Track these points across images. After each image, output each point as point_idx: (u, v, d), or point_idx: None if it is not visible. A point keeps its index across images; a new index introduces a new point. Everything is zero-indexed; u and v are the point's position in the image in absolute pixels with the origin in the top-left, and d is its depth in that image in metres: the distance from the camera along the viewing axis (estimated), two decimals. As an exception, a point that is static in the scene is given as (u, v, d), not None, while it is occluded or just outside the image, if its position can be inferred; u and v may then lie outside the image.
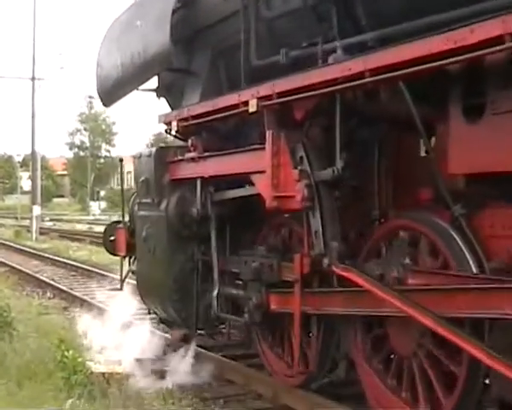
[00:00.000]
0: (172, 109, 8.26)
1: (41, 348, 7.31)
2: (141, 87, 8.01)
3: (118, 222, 9.12)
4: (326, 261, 4.99)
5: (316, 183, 4.84)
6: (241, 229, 6.56)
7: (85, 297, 12.17)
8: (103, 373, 6.30)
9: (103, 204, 76.62)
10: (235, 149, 5.86)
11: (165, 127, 7.14)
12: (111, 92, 8.06)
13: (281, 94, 4.98)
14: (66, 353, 6.16)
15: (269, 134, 5.09)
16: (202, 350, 7.18)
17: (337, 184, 4.75)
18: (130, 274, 8.74)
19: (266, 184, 5.12)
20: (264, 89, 5.11)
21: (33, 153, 33.00)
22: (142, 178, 7.04)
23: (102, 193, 79.50)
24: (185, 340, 7.75)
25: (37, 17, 41.43)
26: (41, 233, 29.54)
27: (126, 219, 8.40)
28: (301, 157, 5.02)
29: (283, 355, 6.08)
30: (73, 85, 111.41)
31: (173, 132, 6.75)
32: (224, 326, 6.92)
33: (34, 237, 28.42)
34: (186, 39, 7.10)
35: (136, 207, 7.43)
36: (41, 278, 15.16)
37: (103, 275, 14.86)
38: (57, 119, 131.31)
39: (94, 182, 77.59)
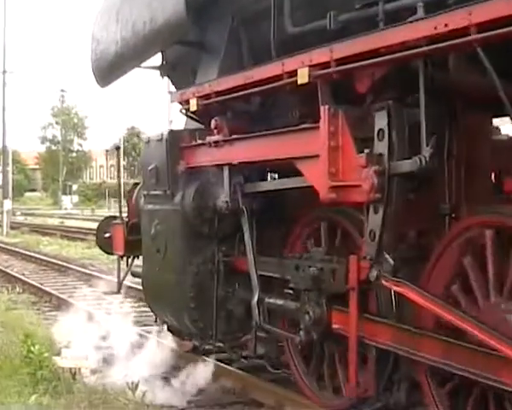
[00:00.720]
0: (177, 89, 7.34)
1: (7, 343, 7.27)
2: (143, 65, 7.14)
3: (113, 217, 8.18)
4: (374, 273, 4.12)
5: (388, 171, 3.92)
6: (271, 226, 5.64)
7: (55, 292, 12.12)
8: (70, 368, 6.32)
9: (75, 198, 75.69)
10: (269, 130, 4.94)
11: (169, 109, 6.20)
12: (108, 71, 7.11)
13: (341, 61, 4.06)
14: (32, 348, 6.14)
15: (324, 111, 4.16)
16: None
17: (421, 175, 3.83)
18: (127, 276, 7.88)
19: (320, 171, 4.20)
20: (319, 55, 4.17)
21: (4, 147, 33.18)
22: (151, 167, 6.08)
23: (75, 187, 78.51)
24: (195, 351, 6.88)
25: (8, 10, 40.16)
26: (12, 228, 29.72)
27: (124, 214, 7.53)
28: (368, 139, 4.12)
29: (327, 378, 5.17)
30: (45, 79, 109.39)
31: (190, 112, 5.79)
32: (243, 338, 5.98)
33: (5, 232, 28.34)
34: (200, 7, 6.13)
35: (141, 201, 6.45)
36: (11, 272, 15.03)
37: (73, 269, 15.31)
38: (29, 112, 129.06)
39: (66, 176, 76.51)
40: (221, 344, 6.12)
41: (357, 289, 4.33)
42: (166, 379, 6.30)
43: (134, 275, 7.50)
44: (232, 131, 5.27)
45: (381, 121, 3.93)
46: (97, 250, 20.44)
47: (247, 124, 5.33)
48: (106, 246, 8.12)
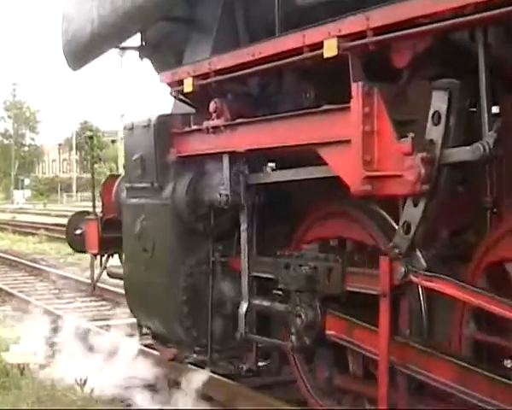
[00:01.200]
0: (158, 72, 6.68)
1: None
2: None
3: (85, 213, 7.50)
4: (402, 269, 3.58)
5: (439, 159, 3.35)
6: (275, 221, 5.04)
7: (5, 287, 12.07)
8: (18, 364, 6.35)
9: (28, 193, 74.27)
10: (276, 114, 4.33)
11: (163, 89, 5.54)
12: (82, 52, 6.43)
13: (380, 30, 3.47)
14: (-20, 344, 6.25)
15: (357, 88, 3.56)
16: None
17: (482, 164, 3.28)
18: (102, 274, 7.24)
19: (351, 159, 3.61)
20: (352, 24, 3.56)
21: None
22: (136, 156, 5.41)
23: (27, 181, 77.03)
24: (178, 360, 6.26)
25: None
26: (-38, 223, 29.48)
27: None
28: (405, 122, 3.55)
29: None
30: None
31: (182, 94, 5.14)
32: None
33: (-45, 227, 28.00)
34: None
35: (123, 194, 5.78)
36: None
37: (24, 264, 15.36)
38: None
39: (18, 170, 74.88)
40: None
41: (388, 296, 3.76)
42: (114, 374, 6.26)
43: (111, 276, 6.84)
44: (234, 114, 4.64)
45: (439, 102, 3.35)
46: (49, 245, 20.63)
47: (251, 107, 4.72)
48: (77, 244, 7.46)
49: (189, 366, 6.08)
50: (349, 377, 4.51)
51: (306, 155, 4.14)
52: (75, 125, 76.18)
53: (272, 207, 4.96)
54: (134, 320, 9.25)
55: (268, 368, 5.29)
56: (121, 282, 6.31)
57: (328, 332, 4.32)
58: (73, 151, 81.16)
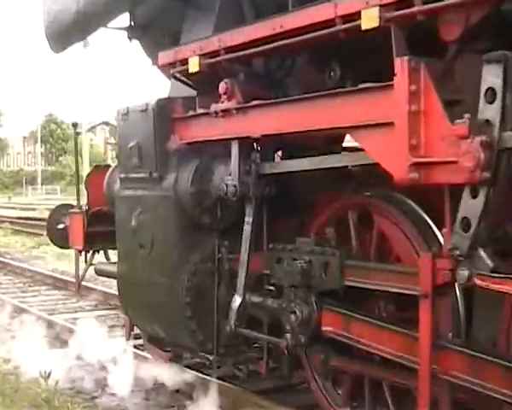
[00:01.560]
0: (148, 55, 6.22)
1: None
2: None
3: (68, 206, 7.02)
4: (465, 272, 3.18)
5: (498, 143, 2.95)
6: (283, 215, 4.63)
7: None
8: None
9: (-9, 186, 72.85)
10: (295, 96, 3.91)
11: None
12: (65, 34, 5.98)
13: (429, -3, 3.06)
14: None
15: (402, 64, 3.15)
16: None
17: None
18: (88, 272, 6.79)
19: (394, 144, 3.20)
20: (396, -10, 3.16)
21: None
22: (132, 144, 4.95)
23: (-10, 175, 75.59)
24: (175, 361, 5.84)
25: None
26: None
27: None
28: (452, 102, 3.16)
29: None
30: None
31: (183, 75, 4.69)
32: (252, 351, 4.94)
33: None
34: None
35: (116, 186, 5.31)
36: None
37: None
38: None
39: (-19, 163, 73.36)
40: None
41: (431, 297, 3.37)
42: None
43: (99, 273, 6.36)
44: (246, 97, 4.20)
45: (491, 78, 2.95)
46: (14, 238, 20.06)
47: (265, 88, 4.29)
48: (59, 239, 6.98)
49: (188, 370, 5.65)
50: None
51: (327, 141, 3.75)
52: (40, 117, 74.70)
53: (281, 200, 4.55)
54: (100, 313, 9.26)
55: (279, 372, 4.85)
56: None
57: (324, 328, 4.04)
58: (38, 144, 79.71)
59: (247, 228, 4.42)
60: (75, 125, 6.79)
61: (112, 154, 64.15)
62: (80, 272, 6.71)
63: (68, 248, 6.93)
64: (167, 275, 4.75)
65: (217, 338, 4.69)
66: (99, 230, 6.47)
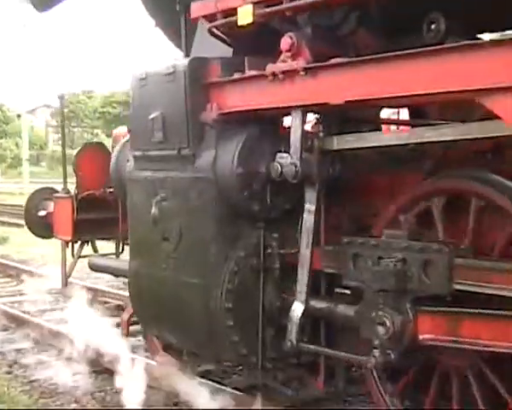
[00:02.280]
0: (153, 18, 5.35)
1: None
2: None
3: (52, 189, 6.12)
4: None
5: None
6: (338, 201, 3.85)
7: None
8: None
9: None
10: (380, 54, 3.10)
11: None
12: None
13: None
14: None
15: None
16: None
17: None
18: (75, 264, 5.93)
19: None
20: None
21: None
22: (154, 115, 4.05)
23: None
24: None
25: None
26: None
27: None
28: None
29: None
30: None
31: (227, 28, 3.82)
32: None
33: None
34: None
35: (130, 166, 4.40)
36: None
37: None
38: None
39: None
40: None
41: None
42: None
43: (94, 268, 5.46)
44: (316, 55, 3.37)
45: None
46: None
47: (339, 46, 3.47)
48: (40, 228, 6.09)
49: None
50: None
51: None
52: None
53: (345, 183, 3.76)
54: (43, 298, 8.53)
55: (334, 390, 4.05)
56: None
57: (422, 337, 3.24)
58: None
59: (308, 218, 3.61)
60: (62, 97, 5.81)
61: (53, 137, 62.02)
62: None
63: (52, 237, 6.00)
64: (201, 274, 3.89)
65: (262, 350, 3.87)
66: (90, 217, 5.61)
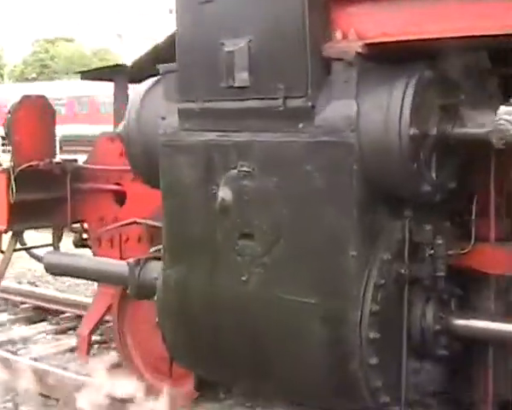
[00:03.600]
0: None
1: None
2: None
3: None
4: None
5: None
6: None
7: None
8: None
9: None
10: None
11: None
12: None
13: None
14: None
15: None
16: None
17: None
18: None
19: None
20: None
21: None
22: (234, 45, 2.61)
23: None
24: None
25: None
26: None
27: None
28: None
29: None
30: None
31: None
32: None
33: None
34: None
35: (169, 123, 2.88)
36: None
37: None
38: None
39: None
40: None
41: None
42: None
43: (52, 270, 3.94)
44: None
45: None
46: None
47: None
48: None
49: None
50: None
51: None
52: None
53: None
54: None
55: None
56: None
57: None
58: None
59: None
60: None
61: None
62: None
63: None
64: (321, 290, 2.56)
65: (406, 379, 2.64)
66: (31, 198, 4.04)
